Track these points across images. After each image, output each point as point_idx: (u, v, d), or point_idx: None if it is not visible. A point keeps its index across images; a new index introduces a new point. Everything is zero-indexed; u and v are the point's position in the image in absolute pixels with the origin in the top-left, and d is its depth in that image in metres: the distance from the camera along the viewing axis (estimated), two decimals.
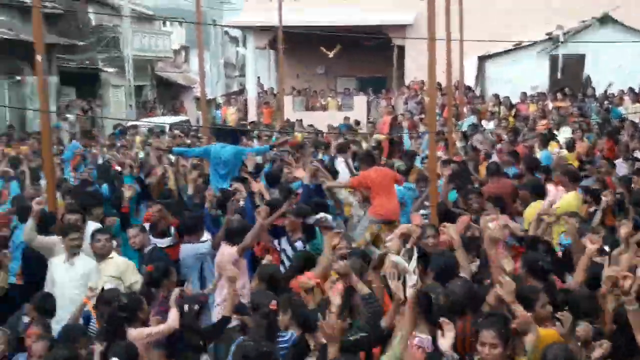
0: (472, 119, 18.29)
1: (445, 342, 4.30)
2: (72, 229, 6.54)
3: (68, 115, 22.16)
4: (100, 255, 6.62)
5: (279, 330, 5.09)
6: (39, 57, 7.38)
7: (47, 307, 5.80)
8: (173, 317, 5.31)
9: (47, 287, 6.44)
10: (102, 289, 6.00)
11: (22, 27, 23.98)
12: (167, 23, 38.22)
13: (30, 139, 16.24)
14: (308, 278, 5.76)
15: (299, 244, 7.18)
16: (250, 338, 4.91)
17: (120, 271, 6.59)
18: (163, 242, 7.32)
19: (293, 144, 12.81)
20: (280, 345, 4.97)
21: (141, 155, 14.10)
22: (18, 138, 17.81)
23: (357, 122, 20.89)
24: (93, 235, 6.73)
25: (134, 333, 5.31)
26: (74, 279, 6.35)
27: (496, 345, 4.14)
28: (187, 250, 7.20)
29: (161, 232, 7.44)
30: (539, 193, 8.28)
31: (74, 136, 20.11)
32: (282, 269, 6.70)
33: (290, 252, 7.11)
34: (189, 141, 15.95)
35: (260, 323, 5.11)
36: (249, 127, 21.10)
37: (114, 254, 6.76)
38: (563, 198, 8.10)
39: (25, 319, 5.75)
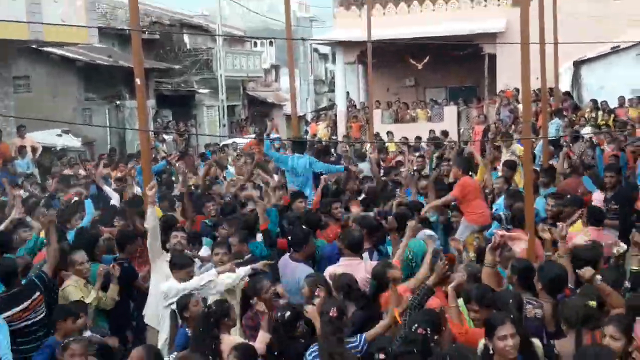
0: (558, 122, 17.74)
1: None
2: None
3: (165, 136, 22.93)
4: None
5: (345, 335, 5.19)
6: (138, 80, 7.68)
7: None
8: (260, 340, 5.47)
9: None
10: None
11: (121, 53, 25.12)
12: (258, 43, 39.07)
13: (131, 160, 16.86)
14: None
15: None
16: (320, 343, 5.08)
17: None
18: None
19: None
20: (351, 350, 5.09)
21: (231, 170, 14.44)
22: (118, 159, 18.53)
23: (445, 133, 20.61)
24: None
25: (227, 342, 5.43)
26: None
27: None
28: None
29: None
30: None
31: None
32: None
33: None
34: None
35: (326, 329, 5.15)
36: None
37: None
38: None
39: None
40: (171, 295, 6.37)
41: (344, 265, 6.61)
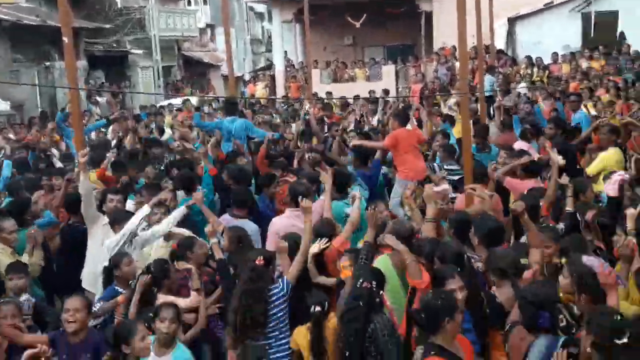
0: (490, 79, 18.00)
1: None
2: None
3: (98, 98, 22.28)
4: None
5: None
6: (65, 39, 7.36)
7: None
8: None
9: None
10: None
11: (49, 12, 24.16)
12: (192, 1, 38.16)
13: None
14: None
15: None
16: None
17: None
18: None
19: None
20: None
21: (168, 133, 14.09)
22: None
23: (387, 92, 20.66)
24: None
25: (163, 300, 5.41)
26: None
27: None
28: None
29: None
30: None
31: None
32: None
33: None
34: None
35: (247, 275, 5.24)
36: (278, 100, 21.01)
37: None
38: (604, 155, 8.01)
39: None
40: (111, 247, 6.27)
41: (287, 217, 6.81)
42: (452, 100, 13.38)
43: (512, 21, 24.88)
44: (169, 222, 6.57)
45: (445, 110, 14.40)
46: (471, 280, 4.78)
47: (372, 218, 5.54)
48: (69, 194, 7.76)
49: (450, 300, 4.22)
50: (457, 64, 21.76)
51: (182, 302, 5.45)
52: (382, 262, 5.44)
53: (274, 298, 5.18)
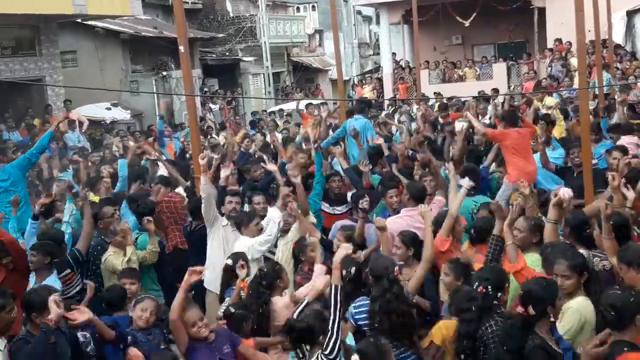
0: (606, 76, 17.14)
1: None
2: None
3: (212, 106, 22.97)
4: None
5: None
6: (182, 48, 7.62)
7: None
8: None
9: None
10: None
11: (165, 24, 25.18)
12: (301, 8, 38.70)
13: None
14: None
15: None
16: None
17: None
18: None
19: None
20: None
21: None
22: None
23: (496, 90, 20.15)
24: None
25: (280, 303, 5.42)
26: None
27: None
28: None
29: None
30: None
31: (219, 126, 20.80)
32: None
33: None
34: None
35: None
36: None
37: None
38: None
39: None
40: (260, 250, 6.52)
41: (404, 216, 6.75)
42: (550, 100, 12.82)
43: (631, 14, 23.66)
44: (271, 227, 6.67)
45: (543, 110, 13.79)
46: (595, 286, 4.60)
47: (499, 210, 5.51)
48: (193, 199, 8.00)
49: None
50: (572, 60, 21.02)
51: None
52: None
53: None
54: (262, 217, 7.01)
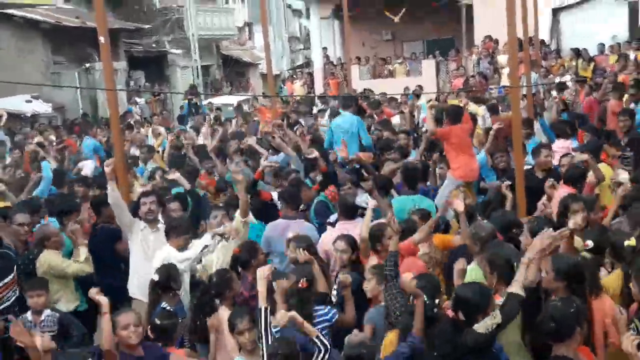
0: (534, 75, 17.42)
1: None
2: None
3: (138, 99, 22.34)
4: None
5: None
6: (102, 39, 7.19)
7: None
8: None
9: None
10: None
11: (89, 14, 24.33)
12: (230, 0, 38.14)
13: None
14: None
15: None
16: None
17: None
18: None
19: None
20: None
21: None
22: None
23: (421, 88, 20.12)
24: None
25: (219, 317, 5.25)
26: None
27: None
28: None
29: None
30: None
31: (145, 120, 20.22)
32: None
33: None
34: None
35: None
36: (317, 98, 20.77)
37: None
38: None
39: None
40: (172, 262, 6.08)
41: (339, 230, 6.53)
42: (474, 107, 12.91)
43: (556, 11, 24.20)
44: (197, 248, 6.38)
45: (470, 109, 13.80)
46: None
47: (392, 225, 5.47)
48: (96, 198, 7.73)
49: (583, 309, 4.08)
50: (500, 58, 21.31)
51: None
52: (473, 272, 5.29)
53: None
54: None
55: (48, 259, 6.44)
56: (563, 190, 6.80)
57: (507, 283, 4.44)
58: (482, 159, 8.84)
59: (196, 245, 6.32)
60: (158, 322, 5.10)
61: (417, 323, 4.41)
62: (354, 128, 10.16)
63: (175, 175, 7.47)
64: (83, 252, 6.49)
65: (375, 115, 13.32)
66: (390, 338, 4.70)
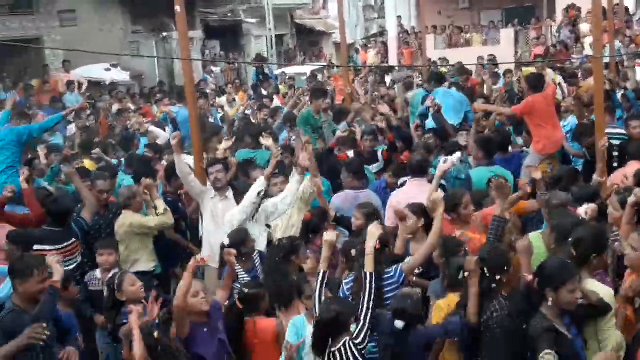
0: (617, 45, 16.63)
1: None
2: None
3: (213, 68, 22.58)
4: None
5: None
6: (178, 8, 7.25)
7: None
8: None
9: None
10: None
11: None
12: None
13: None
14: None
15: None
16: None
17: None
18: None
19: None
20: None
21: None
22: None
23: (493, 57, 19.44)
24: None
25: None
26: None
27: None
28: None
29: None
30: None
31: (219, 89, 20.44)
32: None
33: None
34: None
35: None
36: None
37: None
38: None
39: None
40: (233, 223, 6.24)
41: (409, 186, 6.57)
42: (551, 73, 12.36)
43: None
44: (292, 194, 6.43)
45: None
46: None
47: (499, 188, 5.23)
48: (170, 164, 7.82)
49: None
50: (582, 26, 20.53)
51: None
52: (534, 238, 5.17)
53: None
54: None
55: (129, 218, 6.66)
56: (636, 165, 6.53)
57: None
58: (573, 123, 8.59)
59: (250, 192, 6.34)
60: (246, 291, 5.07)
61: (471, 307, 4.34)
62: (465, 107, 9.74)
63: (268, 142, 7.54)
64: (161, 205, 6.64)
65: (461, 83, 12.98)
66: (449, 302, 4.63)
